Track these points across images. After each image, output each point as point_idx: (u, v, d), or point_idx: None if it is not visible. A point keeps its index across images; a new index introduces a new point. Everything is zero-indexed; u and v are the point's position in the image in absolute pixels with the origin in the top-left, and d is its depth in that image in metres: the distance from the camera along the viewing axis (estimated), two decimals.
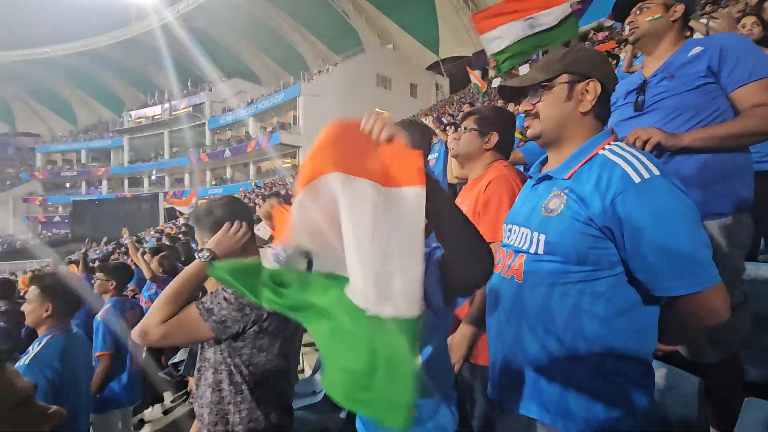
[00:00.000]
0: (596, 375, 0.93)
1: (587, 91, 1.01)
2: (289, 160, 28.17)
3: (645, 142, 1.30)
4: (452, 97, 25.11)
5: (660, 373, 1.40)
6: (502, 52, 3.27)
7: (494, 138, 1.58)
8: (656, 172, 0.89)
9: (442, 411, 1.01)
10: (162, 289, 3.83)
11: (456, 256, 0.79)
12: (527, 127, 1.09)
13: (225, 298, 1.17)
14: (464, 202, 1.56)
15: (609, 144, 0.98)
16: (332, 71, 28.37)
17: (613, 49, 6.40)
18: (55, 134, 43.76)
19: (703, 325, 0.91)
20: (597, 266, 0.92)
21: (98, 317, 2.71)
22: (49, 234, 32.91)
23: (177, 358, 2.62)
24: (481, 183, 1.51)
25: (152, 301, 3.84)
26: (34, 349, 1.81)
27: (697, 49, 1.37)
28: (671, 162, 1.34)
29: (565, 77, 1.02)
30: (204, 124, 31.61)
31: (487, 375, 1.25)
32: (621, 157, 0.93)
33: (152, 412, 3.85)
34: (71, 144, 39.34)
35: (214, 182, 30.89)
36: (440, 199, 0.75)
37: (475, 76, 6.70)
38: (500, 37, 3.26)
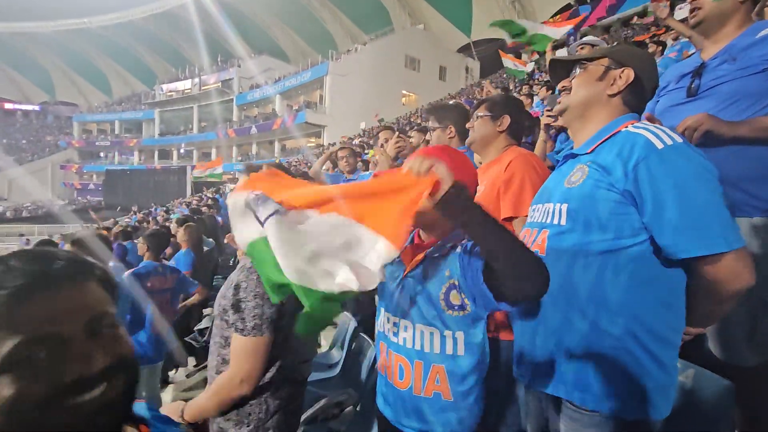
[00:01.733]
0: (618, 348, 0.92)
1: (620, 77, 1.05)
2: (313, 140, 28.27)
3: (693, 131, 1.22)
4: (482, 82, 24.43)
5: (688, 373, 1.36)
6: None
7: (506, 120, 1.61)
8: (679, 140, 0.91)
9: (471, 404, 1.01)
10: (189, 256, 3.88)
11: (506, 274, 0.82)
12: (559, 102, 1.13)
13: (258, 304, 1.17)
14: (481, 184, 1.54)
15: (634, 123, 1.01)
16: (361, 51, 28.02)
17: (661, 35, 6.02)
18: (91, 105, 45.31)
19: (728, 291, 0.89)
20: (619, 234, 0.92)
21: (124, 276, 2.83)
22: (84, 200, 34.44)
23: (202, 325, 2.72)
24: (500, 165, 1.52)
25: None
26: None
27: (767, 31, 1.26)
28: (722, 152, 1.25)
29: (604, 61, 1.06)
30: (232, 100, 31.99)
31: (506, 350, 1.24)
32: (644, 129, 0.95)
33: (176, 375, 4.05)
34: (106, 114, 40.72)
35: (239, 158, 31.42)
36: (486, 227, 0.81)
37: (511, 59, 6.49)
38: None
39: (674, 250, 0.88)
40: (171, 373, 4.02)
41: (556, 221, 1.02)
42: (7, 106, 48.04)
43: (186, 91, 34.61)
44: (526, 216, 1.22)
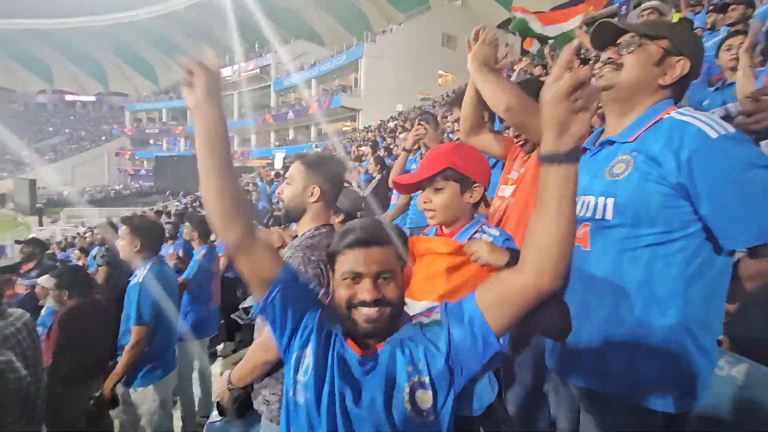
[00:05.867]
0: (670, 341, 0.90)
1: (676, 67, 0.98)
2: (349, 123, 28.37)
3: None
4: (522, 58, 23.30)
5: (741, 368, 1.30)
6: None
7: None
8: (731, 129, 0.87)
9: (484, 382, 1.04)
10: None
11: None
12: (600, 76, 1.03)
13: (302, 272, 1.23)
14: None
15: (674, 109, 0.96)
16: (396, 31, 27.47)
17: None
18: (140, 94, 47.76)
19: None
20: (669, 227, 0.90)
21: (198, 257, 3.25)
22: (137, 186, 36.77)
23: (246, 303, 2.89)
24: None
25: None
26: (141, 272, 2.19)
27: None
28: None
29: (664, 42, 0.98)
30: (269, 85, 32.58)
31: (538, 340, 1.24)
32: (692, 117, 0.91)
33: (224, 349, 4.34)
34: (154, 103, 42.86)
35: (277, 143, 32.15)
36: None
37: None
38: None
39: (735, 241, 0.86)
40: (220, 347, 4.31)
41: (599, 215, 0.97)
42: (68, 98, 51.78)
43: (226, 78, 35.62)
44: None
